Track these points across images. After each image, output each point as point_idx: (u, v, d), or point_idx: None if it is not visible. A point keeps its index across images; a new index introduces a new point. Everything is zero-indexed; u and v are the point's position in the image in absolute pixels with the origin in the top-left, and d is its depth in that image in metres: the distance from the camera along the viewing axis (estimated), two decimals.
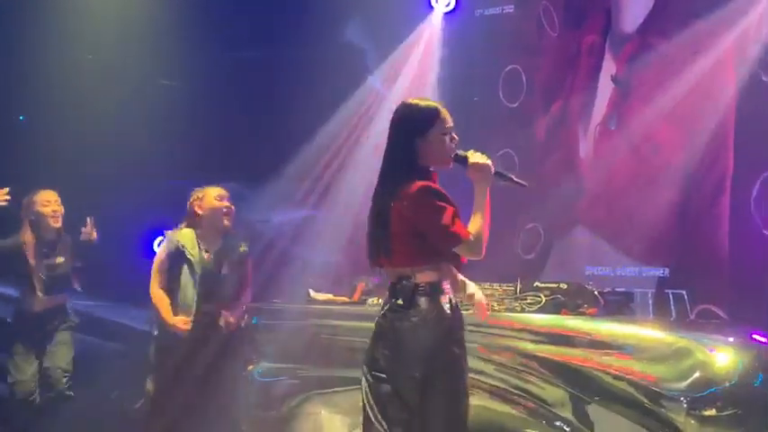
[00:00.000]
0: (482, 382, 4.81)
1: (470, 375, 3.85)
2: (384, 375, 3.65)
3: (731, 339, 4.51)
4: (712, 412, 4.10)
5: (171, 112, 8.10)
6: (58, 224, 6.29)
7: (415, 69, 8.21)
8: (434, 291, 3.71)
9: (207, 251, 5.83)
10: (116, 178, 7.80)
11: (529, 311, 5.06)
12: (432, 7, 8.25)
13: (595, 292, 5.19)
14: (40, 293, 6.22)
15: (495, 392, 4.83)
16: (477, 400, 4.25)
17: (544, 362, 4.70)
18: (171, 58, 8.29)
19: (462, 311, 3.82)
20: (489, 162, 3.77)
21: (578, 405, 4.52)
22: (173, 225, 5.95)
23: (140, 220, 7.99)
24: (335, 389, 5.90)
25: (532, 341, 4.80)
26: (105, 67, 8.25)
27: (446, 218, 3.63)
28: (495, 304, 5.14)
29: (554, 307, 5.08)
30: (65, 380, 6.22)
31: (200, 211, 5.86)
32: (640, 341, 4.53)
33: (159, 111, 8.07)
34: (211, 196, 5.89)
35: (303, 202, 8.21)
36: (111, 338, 7.68)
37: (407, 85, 8.15)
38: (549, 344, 4.73)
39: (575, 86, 7.59)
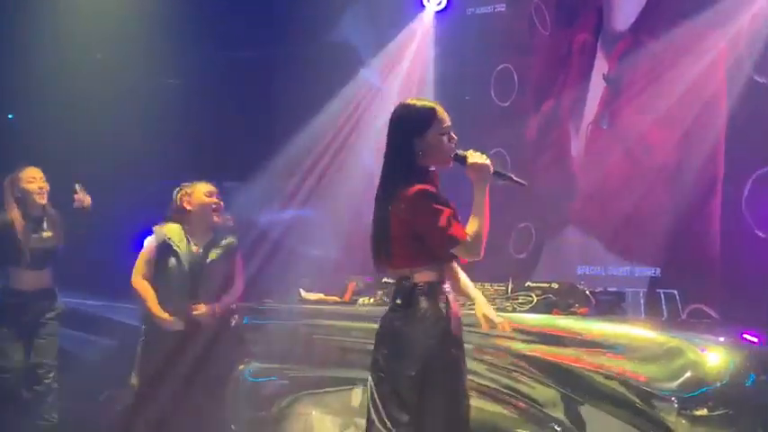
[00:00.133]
0: (473, 381, 4.77)
1: None
2: (383, 375, 3.69)
3: (722, 339, 4.50)
4: (703, 412, 4.10)
5: (164, 111, 8.07)
6: (44, 200, 6.30)
7: (407, 68, 8.19)
8: (433, 291, 3.73)
9: (196, 246, 5.82)
10: (108, 177, 7.76)
11: (520, 311, 5.05)
12: (423, 6, 8.23)
13: (587, 292, 5.19)
14: (27, 269, 6.22)
15: (486, 392, 4.83)
16: None
17: (535, 362, 4.71)
18: (164, 57, 8.26)
19: (466, 311, 3.85)
20: (488, 162, 3.79)
21: (570, 405, 4.52)
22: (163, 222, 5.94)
23: (133, 219, 7.95)
24: (326, 389, 5.90)
25: (524, 341, 4.80)
26: (97, 65, 8.22)
27: (443, 220, 3.66)
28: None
29: (545, 307, 5.08)
30: (52, 374, 6.26)
31: (189, 207, 5.85)
32: (632, 341, 4.53)
33: (152, 110, 8.05)
34: (201, 192, 5.88)
35: (294, 201, 8.19)
36: (106, 335, 7.67)
37: (399, 83, 8.15)
38: (540, 344, 4.73)
39: (566, 85, 7.57)
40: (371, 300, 5.98)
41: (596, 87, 7.35)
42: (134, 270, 5.81)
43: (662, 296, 6.00)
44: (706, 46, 6.46)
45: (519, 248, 7.64)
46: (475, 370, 4.80)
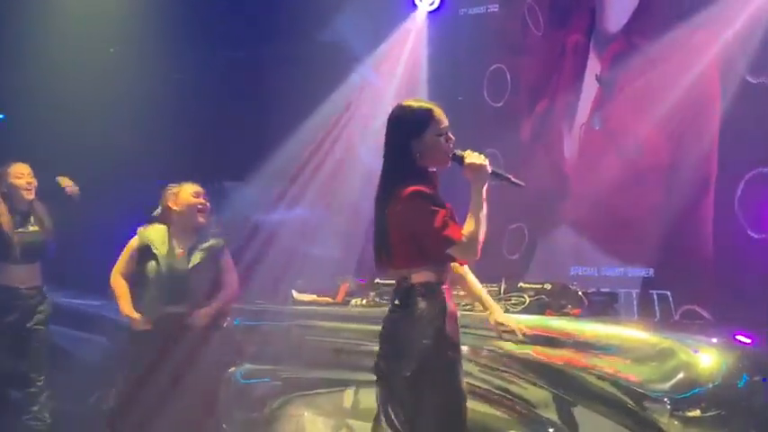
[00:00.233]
0: (466, 382, 4.78)
1: None
2: (383, 375, 3.74)
3: (715, 340, 4.49)
4: (696, 413, 4.09)
5: (161, 111, 8.06)
6: (32, 196, 6.31)
7: (400, 68, 8.19)
8: (430, 291, 3.74)
9: (180, 248, 5.76)
10: (104, 177, 7.75)
11: (513, 312, 5.04)
12: (416, 6, 8.23)
13: (580, 293, 5.19)
14: (16, 264, 6.21)
15: (478, 393, 4.81)
16: None
17: (528, 363, 4.69)
18: (160, 57, 8.25)
19: (461, 312, 3.85)
20: (486, 162, 3.79)
21: (562, 406, 4.52)
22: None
23: (129, 219, 7.92)
24: (318, 390, 5.88)
25: (516, 342, 4.77)
26: (92, 65, 8.19)
27: (438, 221, 3.66)
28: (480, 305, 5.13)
29: (538, 307, 5.08)
30: (43, 377, 6.27)
31: (174, 207, 5.80)
32: (624, 342, 4.52)
33: (149, 109, 8.03)
34: (187, 192, 5.83)
35: (288, 202, 8.17)
36: (102, 334, 7.66)
37: (392, 82, 8.14)
38: (532, 344, 4.71)
39: (559, 86, 7.58)
40: (364, 301, 5.97)
41: (589, 88, 7.35)
42: (114, 268, 5.78)
43: (655, 297, 5.99)
44: (699, 47, 6.47)
45: (512, 249, 7.64)
46: (467, 371, 4.79)
